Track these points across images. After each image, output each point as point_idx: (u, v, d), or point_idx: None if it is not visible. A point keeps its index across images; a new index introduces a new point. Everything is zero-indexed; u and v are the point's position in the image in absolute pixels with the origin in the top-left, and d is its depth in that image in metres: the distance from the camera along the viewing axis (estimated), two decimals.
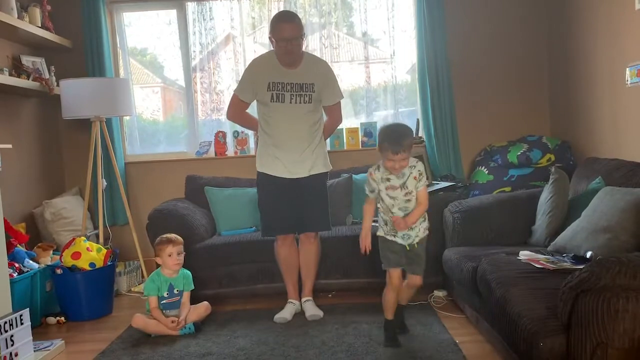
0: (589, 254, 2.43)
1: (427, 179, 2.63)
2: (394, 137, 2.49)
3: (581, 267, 1.92)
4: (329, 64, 3.42)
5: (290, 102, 3.05)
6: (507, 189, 3.87)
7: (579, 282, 1.79)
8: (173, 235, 3.13)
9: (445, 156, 4.19)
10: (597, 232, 2.47)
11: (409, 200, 2.57)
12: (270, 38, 3.05)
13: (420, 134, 4.35)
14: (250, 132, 4.25)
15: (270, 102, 3.06)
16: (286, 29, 2.96)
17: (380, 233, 2.68)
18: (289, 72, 3.06)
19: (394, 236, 2.62)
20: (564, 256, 2.57)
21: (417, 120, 4.35)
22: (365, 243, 2.66)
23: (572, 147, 3.93)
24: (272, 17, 3.08)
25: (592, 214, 2.59)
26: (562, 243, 2.69)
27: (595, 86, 3.55)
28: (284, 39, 2.96)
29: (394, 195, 2.57)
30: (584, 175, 3.12)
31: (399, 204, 2.58)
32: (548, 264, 2.45)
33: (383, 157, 2.55)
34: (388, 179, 2.57)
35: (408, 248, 2.62)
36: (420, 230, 2.64)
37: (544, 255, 2.63)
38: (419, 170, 2.58)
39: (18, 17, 3.63)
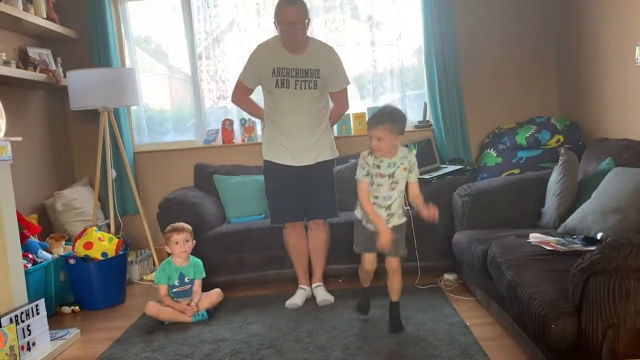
0: (599, 236, 2.43)
1: (418, 171, 2.63)
2: (375, 114, 2.56)
3: (592, 248, 1.92)
4: (334, 48, 3.41)
5: (295, 88, 3.04)
6: (516, 171, 3.86)
7: (590, 264, 1.79)
8: (179, 224, 3.16)
9: (453, 139, 4.17)
10: (608, 214, 2.47)
11: (393, 189, 2.57)
12: (274, 23, 3.04)
13: (427, 118, 4.33)
14: (257, 120, 4.26)
15: (275, 88, 3.06)
16: (289, 12, 2.95)
17: (357, 215, 2.68)
18: (294, 57, 3.04)
19: (369, 221, 2.60)
20: (574, 238, 2.57)
21: (425, 103, 4.33)
22: (388, 237, 2.52)
23: (581, 128, 3.90)
24: (276, 2, 3.07)
25: (602, 195, 2.58)
26: (572, 225, 2.68)
27: (605, 65, 3.51)
28: (287, 23, 2.95)
29: (381, 182, 2.56)
30: (593, 156, 3.11)
31: (383, 192, 2.56)
32: (558, 246, 2.45)
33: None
34: (378, 166, 2.55)
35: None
36: (397, 218, 2.62)
37: (554, 237, 2.63)
38: (410, 161, 2.57)
39: (23, 9, 3.64)
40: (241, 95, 3.22)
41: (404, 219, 2.65)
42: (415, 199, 2.61)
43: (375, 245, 2.58)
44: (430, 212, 2.53)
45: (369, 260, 2.67)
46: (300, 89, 3.05)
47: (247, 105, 3.30)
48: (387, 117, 2.51)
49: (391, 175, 2.55)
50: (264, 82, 3.10)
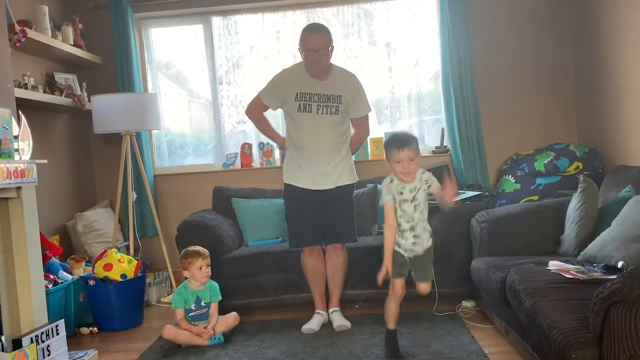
0: (620, 264, 2.40)
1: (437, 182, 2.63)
2: (398, 138, 2.58)
3: (612, 277, 1.91)
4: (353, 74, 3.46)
5: (317, 113, 3.09)
6: (535, 197, 3.84)
7: (610, 293, 1.77)
8: (199, 248, 3.17)
9: (471, 165, 4.17)
10: (629, 242, 2.44)
11: (415, 211, 2.57)
12: (299, 49, 3.11)
13: (445, 143, 4.35)
14: (275, 144, 4.31)
15: (297, 113, 3.11)
16: (314, 39, 3.02)
17: None
18: (317, 83, 3.10)
19: (399, 246, 2.60)
20: (594, 266, 2.54)
21: (442, 129, 4.35)
22: (385, 271, 2.57)
23: (600, 155, 3.88)
24: (296, 29, 3.14)
25: (623, 223, 2.56)
26: (592, 253, 2.65)
27: (624, 91, 3.51)
28: (311, 49, 3.02)
29: (405, 208, 2.57)
30: (613, 183, 3.08)
31: (407, 216, 2.57)
32: (578, 274, 2.42)
33: (392, 166, 2.56)
34: (401, 192, 2.57)
35: (409, 261, 2.62)
36: (425, 241, 2.62)
37: (574, 265, 2.60)
38: (425, 180, 2.58)
39: (52, 36, 3.76)
40: (256, 110, 3.27)
41: (431, 241, 2.66)
42: (445, 200, 2.57)
43: (404, 270, 2.60)
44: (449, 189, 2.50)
45: (401, 286, 2.63)
46: (322, 114, 3.09)
47: (258, 119, 3.33)
48: (411, 137, 2.58)
49: (413, 199, 2.57)
50: (287, 106, 3.16)
